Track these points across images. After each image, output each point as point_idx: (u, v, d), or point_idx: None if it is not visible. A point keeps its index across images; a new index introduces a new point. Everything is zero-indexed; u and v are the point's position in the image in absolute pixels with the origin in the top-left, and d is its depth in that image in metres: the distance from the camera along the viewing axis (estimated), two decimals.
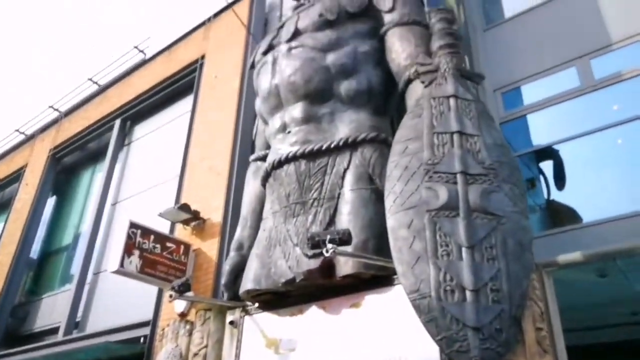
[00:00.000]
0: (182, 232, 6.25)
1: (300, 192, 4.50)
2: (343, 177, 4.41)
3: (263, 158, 5.32)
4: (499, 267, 3.09)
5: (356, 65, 4.80)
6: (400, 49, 4.60)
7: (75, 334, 7.29)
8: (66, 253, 9.42)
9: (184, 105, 8.16)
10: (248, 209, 5.29)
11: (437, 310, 3.01)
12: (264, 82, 5.19)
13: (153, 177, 7.94)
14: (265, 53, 5.40)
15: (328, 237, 3.46)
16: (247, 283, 4.54)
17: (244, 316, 4.78)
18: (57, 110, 11.34)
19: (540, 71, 5.88)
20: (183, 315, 5.52)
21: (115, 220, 8.18)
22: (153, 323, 5.90)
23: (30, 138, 11.75)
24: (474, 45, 6.45)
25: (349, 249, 3.73)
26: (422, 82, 4.14)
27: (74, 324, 7.53)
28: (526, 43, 6.15)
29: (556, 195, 5.52)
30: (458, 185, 3.40)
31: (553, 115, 5.71)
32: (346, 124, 4.65)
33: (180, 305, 5.52)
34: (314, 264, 4.11)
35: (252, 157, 5.66)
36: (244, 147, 6.38)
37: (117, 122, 9.29)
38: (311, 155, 4.56)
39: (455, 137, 3.64)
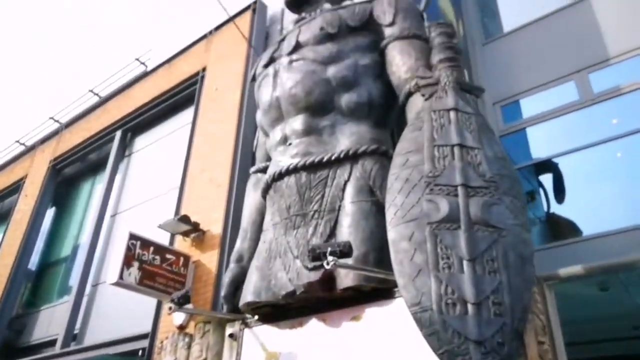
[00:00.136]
0: (182, 244, 6.24)
1: (301, 204, 4.50)
2: (344, 190, 4.41)
3: (263, 170, 5.33)
4: (500, 280, 3.08)
5: (357, 78, 4.83)
6: (400, 62, 4.63)
7: (73, 347, 7.24)
8: (65, 264, 9.39)
9: (185, 117, 8.19)
10: (248, 220, 5.28)
11: (438, 323, 2.98)
12: (265, 94, 5.22)
13: (153, 189, 7.95)
14: (266, 66, 5.43)
15: (329, 249, 3.45)
16: (247, 295, 4.51)
17: (243, 329, 4.75)
18: (57, 121, 11.37)
19: (539, 85, 5.93)
20: (182, 327, 5.48)
21: (115, 232, 8.17)
22: (152, 335, 5.86)
23: (30, 149, 11.76)
24: (473, 59, 6.51)
25: (349, 261, 3.72)
26: (423, 95, 4.17)
27: (71, 336, 7.48)
28: (525, 57, 6.21)
29: (556, 209, 5.53)
30: (459, 198, 3.41)
31: (552, 129, 5.75)
32: (347, 137, 4.66)
33: (179, 317, 5.48)
34: (315, 276, 4.09)
35: (252, 169, 5.67)
36: (245, 159, 6.39)
37: (118, 134, 9.31)
38: (312, 167, 4.57)
39: (456, 149, 3.65)
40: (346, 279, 3.99)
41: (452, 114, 3.86)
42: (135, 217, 7.98)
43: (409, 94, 4.37)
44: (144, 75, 9.69)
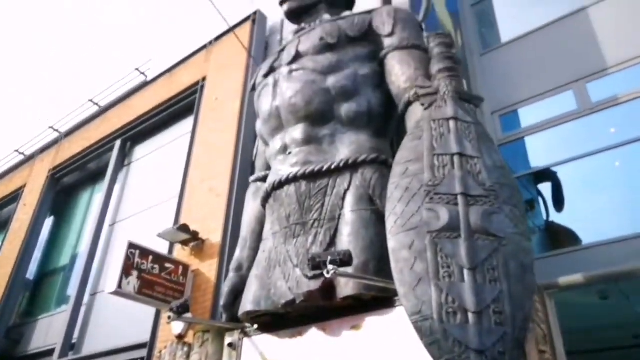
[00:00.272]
0: (181, 253, 6.23)
1: (301, 213, 4.51)
2: (343, 198, 4.42)
3: (263, 179, 5.34)
4: (501, 289, 3.07)
5: (356, 87, 4.85)
6: (400, 72, 4.66)
7: (71, 356, 7.20)
8: (63, 274, 9.36)
9: (184, 126, 8.21)
10: (248, 229, 5.28)
11: (439, 332, 2.98)
12: (265, 104, 5.24)
13: (152, 198, 7.94)
14: (266, 75, 5.46)
15: (329, 258, 3.44)
16: (247, 304, 4.50)
17: (242, 338, 4.73)
18: (57, 130, 11.38)
19: (538, 94, 5.98)
20: (181, 337, 5.46)
21: (114, 241, 8.15)
22: (150, 345, 5.83)
23: (29, 158, 11.76)
24: (471, 69, 6.57)
25: (349, 270, 3.71)
26: (422, 105, 4.19)
27: (69, 345, 7.43)
28: (523, 67, 6.26)
29: (555, 217, 5.54)
30: (459, 207, 3.41)
31: (551, 138, 5.78)
32: (346, 146, 4.68)
33: (178, 326, 5.46)
34: (314, 285, 4.08)
35: (252, 178, 5.68)
36: (244, 168, 6.40)
37: (118, 143, 9.32)
38: (312, 176, 4.58)
39: (456, 158, 3.66)
40: (346, 287, 3.99)
41: (451, 123, 3.88)
42: (134, 226, 7.97)
43: (409, 104, 4.39)
44: (144, 85, 9.72)
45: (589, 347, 6.02)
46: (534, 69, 6.13)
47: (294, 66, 5.12)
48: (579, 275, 4.12)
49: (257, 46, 7.56)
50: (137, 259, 5.50)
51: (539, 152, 5.89)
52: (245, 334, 4.72)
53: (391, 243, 3.45)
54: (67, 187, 10.66)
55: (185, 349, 5.23)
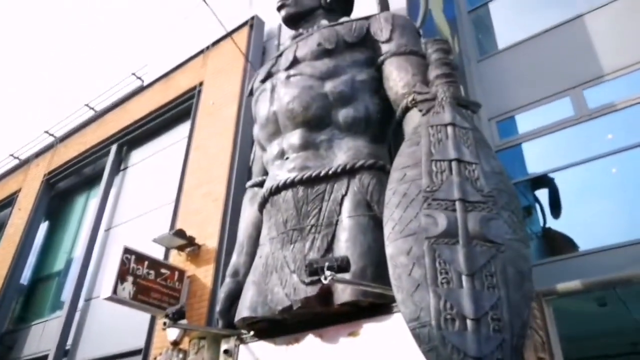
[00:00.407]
0: (177, 258, 6.19)
1: (298, 218, 4.48)
2: (341, 204, 4.40)
3: (260, 184, 5.32)
4: (499, 296, 3.05)
5: (354, 93, 4.85)
6: (397, 78, 4.66)
7: None
8: (57, 279, 9.28)
9: (181, 131, 8.19)
10: (244, 235, 5.25)
11: (437, 339, 2.95)
12: (262, 109, 5.23)
13: (148, 203, 7.90)
14: (263, 81, 5.46)
15: (326, 264, 3.42)
16: (243, 310, 4.46)
17: (239, 345, 4.68)
18: (52, 135, 11.34)
19: (535, 100, 5.99)
20: (176, 343, 5.41)
21: (109, 246, 8.09)
22: (145, 351, 5.78)
23: (24, 163, 11.70)
24: (468, 75, 6.58)
25: (347, 276, 3.69)
26: (420, 111, 4.18)
27: (63, 352, 7.35)
28: (520, 73, 6.28)
29: (552, 224, 5.54)
30: (457, 213, 3.40)
31: (548, 144, 5.79)
32: (344, 151, 4.67)
33: (173, 333, 5.41)
34: (312, 291, 4.05)
35: (249, 183, 5.66)
36: (241, 173, 6.38)
37: (114, 148, 9.29)
38: (309, 182, 4.56)
39: (454, 164, 3.65)
40: (343, 294, 3.96)
41: (449, 129, 3.87)
42: (129, 231, 7.92)
43: (406, 109, 4.39)
44: (141, 89, 9.70)
45: (587, 354, 6.01)
46: (531, 75, 6.15)
47: (292, 71, 5.11)
48: (577, 281, 4.11)
49: (254, 51, 7.56)
50: (132, 265, 5.46)
51: (536, 158, 5.90)
52: (242, 341, 4.67)
53: (389, 249, 3.43)
54: (62, 191, 10.61)
55: (181, 355, 5.19)
